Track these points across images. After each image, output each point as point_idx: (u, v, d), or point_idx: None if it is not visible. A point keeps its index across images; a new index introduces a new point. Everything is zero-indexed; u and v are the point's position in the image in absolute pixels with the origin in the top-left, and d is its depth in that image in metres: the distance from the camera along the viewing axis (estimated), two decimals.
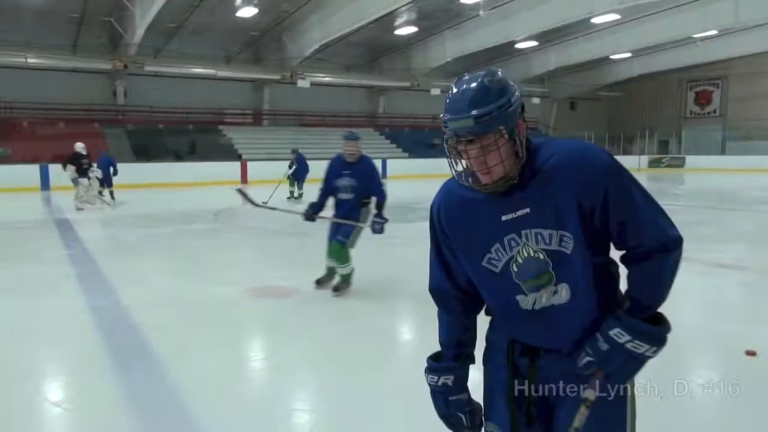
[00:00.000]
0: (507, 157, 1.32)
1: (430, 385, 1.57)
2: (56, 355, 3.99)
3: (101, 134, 22.36)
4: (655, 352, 1.33)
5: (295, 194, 14.88)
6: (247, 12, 20.37)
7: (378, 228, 5.11)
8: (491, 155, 1.31)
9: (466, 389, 1.58)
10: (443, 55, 25.88)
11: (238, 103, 27.38)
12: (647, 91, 34.44)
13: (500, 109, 1.30)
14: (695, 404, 2.91)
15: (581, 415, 1.33)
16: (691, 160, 29.92)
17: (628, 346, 1.32)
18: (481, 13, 20.53)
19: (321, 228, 5.55)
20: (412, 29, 23.83)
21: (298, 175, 14.98)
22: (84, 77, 23.95)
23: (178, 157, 22.47)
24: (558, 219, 1.35)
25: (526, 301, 1.44)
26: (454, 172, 1.41)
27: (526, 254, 1.40)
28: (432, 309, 1.62)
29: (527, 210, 1.37)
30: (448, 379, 1.55)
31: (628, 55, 28.64)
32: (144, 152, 22.08)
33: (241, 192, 6.14)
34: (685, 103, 34.78)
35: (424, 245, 1.64)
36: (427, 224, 1.56)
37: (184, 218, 11.38)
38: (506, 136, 1.31)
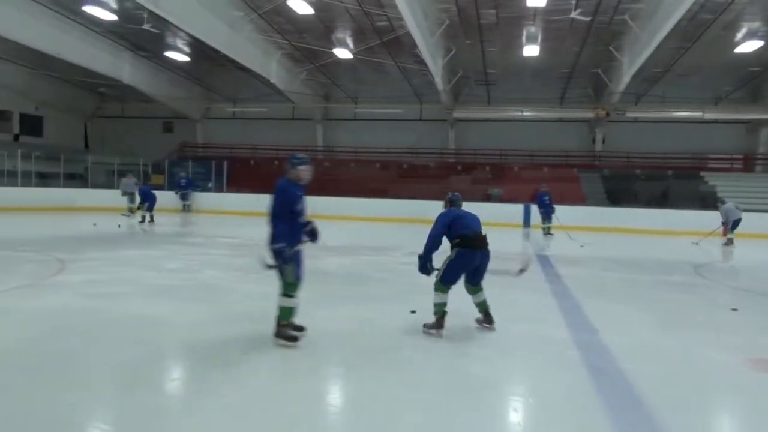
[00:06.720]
0: None
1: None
2: (545, 382, 4.20)
3: (577, 178, 23.66)
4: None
5: None
6: (749, 46, 18.10)
7: None
8: None
9: None
10: None
11: (726, 147, 24.65)
12: None
13: None
14: None
15: None
16: None
17: None
18: None
19: None
20: None
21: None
22: (566, 126, 25.95)
23: (648, 203, 21.66)
24: None
25: None
26: None
27: None
28: None
29: None
30: None
31: None
32: (616, 197, 22.23)
33: None
34: None
35: None
36: None
37: (660, 267, 10.76)
38: None
